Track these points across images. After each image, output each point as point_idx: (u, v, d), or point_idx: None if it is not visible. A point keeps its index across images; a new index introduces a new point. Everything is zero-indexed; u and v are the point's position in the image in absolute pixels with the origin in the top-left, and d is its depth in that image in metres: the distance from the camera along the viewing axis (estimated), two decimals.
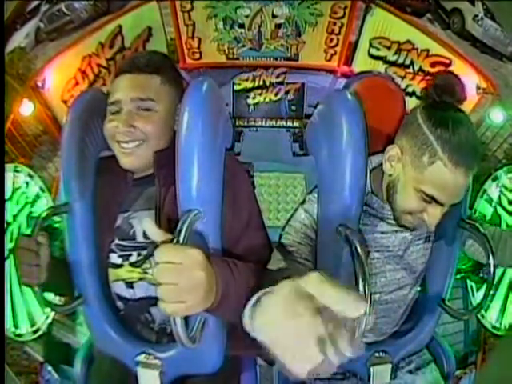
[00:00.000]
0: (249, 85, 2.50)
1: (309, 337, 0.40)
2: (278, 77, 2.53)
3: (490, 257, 0.88)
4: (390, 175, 0.86)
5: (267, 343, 0.47)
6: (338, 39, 2.53)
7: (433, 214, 0.81)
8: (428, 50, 2.21)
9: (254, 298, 0.57)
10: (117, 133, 0.88)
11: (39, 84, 1.94)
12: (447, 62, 2.14)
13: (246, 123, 2.49)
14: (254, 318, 0.54)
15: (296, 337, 0.41)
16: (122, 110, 0.89)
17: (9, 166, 1.77)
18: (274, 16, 2.55)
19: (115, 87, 0.91)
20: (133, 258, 0.91)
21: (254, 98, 2.49)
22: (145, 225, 0.73)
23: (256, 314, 0.53)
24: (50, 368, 1.65)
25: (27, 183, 1.81)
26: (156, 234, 0.67)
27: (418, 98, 2.23)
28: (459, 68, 2.11)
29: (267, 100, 2.51)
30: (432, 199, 0.80)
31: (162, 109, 0.90)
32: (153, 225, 0.69)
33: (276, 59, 2.63)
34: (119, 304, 0.93)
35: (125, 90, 0.89)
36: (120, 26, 2.21)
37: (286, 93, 2.50)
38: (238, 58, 2.62)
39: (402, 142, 0.84)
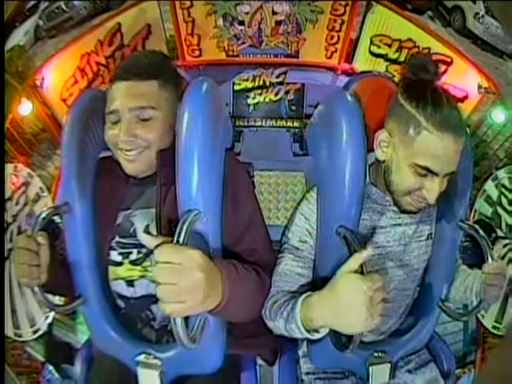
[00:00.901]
0: (249, 85, 2.49)
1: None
2: (278, 77, 2.52)
3: (489, 258, 0.88)
4: (384, 161, 0.87)
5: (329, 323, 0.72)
6: (338, 36, 2.52)
7: (431, 188, 0.82)
8: (429, 49, 2.20)
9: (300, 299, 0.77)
10: (119, 141, 0.88)
11: (38, 83, 1.93)
12: (448, 60, 2.12)
13: (246, 123, 2.48)
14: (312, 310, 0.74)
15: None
16: (121, 120, 0.87)
17: (9, 166, 1.77)
18: (274, 13, 2.53)
19: (112, 95, 0.89)
20: (133, 256, 0.91)
21: (254, 98, 2.48)
22: (141, 237, 0.74)
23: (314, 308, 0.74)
24: (50, 368, 1.66)
25: (27, 183, 1.81)
26: (153, 242, 0.67)
27: None
28: (460, 67, 2.10)
29: (267, 100, 2.50)
30: (427, 170, 0.80)
31: (162, 114, 0.89)
32: (147, 235, 0.69)
33: (276, 56, 2.62)
34: (120, 303, 0.94)
35: (122, 99, 0.87)
36: (119, 24, 2.19)
37: (286, 93, 2.48)
38: (237, 55, 2.61)
39: (388, 125, 0.85)
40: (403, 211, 0.89)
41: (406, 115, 0.81)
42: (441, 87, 0.83)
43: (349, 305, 0.67)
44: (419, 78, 0.83)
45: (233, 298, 0.74)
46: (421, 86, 0.82)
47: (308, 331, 0.76)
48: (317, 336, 0.77)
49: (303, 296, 0.77)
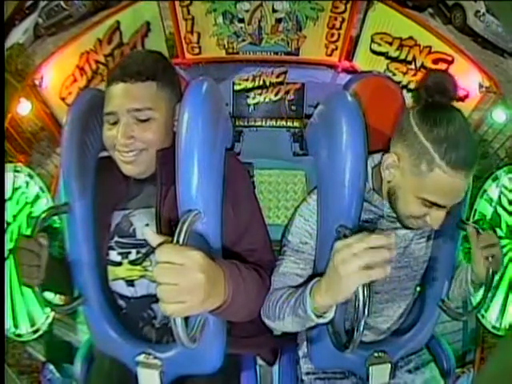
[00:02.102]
0: (249, 85, 2.49)
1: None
2: (278, 77, 2.51)
3: (489, 258, 0.87)
4: (389, 182, 0.86)
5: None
6: (339, 34, 2.52)
7: (436, 217, 0.82)
8: (430, 47, 2.19)
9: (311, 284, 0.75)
10: (116, 143, 0.87)
11: (37, 82, 1.93)
12: (449, 59, 2.12)
13: (246, 123, 2.48)
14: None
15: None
16: (119, 121, 0.86)
17: (9, 166, 1.76)
18: (274, 10, 2.53)
19: (109, 97, 0.87)
20: (132, 256, 0.91)
21: (254, 98, 2.48)
22: (144, 232, 0.73)
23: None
24: (51, 367, 1.66)
25: (27, 183, 1.80)
26: (156, 240, 0.67)
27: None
28: (462, 66, 2.10)
29: (267, 100, 2.49)
30: (434, 204, 0.80)
31: (160, 115, 0.88)
32: (152, 232, 0.69)
33: (276, 54, 2.61)
34: (121, 303, 0.93)
35: (120, 101, 0.85)
36: (118, 22, 2.18)
37: (286, 93, 2.48)
38: (237, 53, 2.61)
39: (398, 149, 0.83)
40: (406, 227, 0.89)
41: (419, 147, 0.78)
42: (456, 110, 0.79)
43: (343, 271, 0.63)
44: (434, 99, 0.79)
45: (235, 297, 0.73)
46: (438, 113, 0.78)
47: (316, 315, 0.74)
48: (322, 321, 0.75)
49: (314, 279, 0.75)
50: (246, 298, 0.79)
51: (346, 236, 0.81)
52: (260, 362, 1.01)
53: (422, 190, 0.79)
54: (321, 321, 0.76)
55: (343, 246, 0.63)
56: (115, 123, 0.87)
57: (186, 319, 0.69)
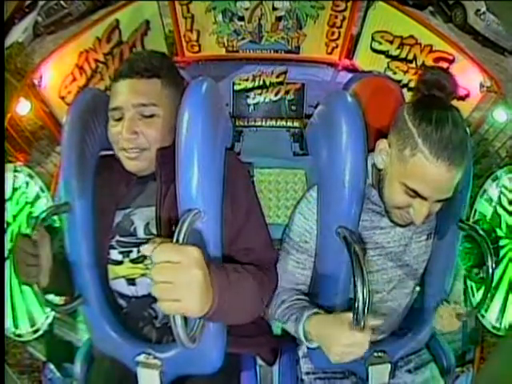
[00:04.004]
0: (249, 85, 2.48)
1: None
2: (278, 76, 2.50)
3: (489, 258, 0.88)
4: (381, 169, 0.86)
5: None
6: (339, 32, 2.51)
7: (418, 210, 0.80)
8: (431, 46, 2.19)
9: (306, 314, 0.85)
10: (120, 139, 0.88)
11: (36, 82, 1.92)
12: (450, 58, 2.11)
13: (246, 123, 2.47)
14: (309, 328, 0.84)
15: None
16: (124, 116, 0.88)
17: (9, 166, 1.76)
18: (274, 9, 2.52)
19: (115, 92, 0.89)
20: (133, 255, 0.91)
21: (254, 98, 2.47)
22: (141, 250, 0.74)
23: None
24: (52, 367, 1.66)
25: (27, 183, 1.80)
26: (149, 249, 0.66)
27: None
28: (463, 65, 2.09)
29: (267, 100, 2.49)
30: (415, 193, 0.79)
31: (164, 112, 0.89)
32: (145, 246, 0.69)
33: (276, 52, 2.61)
34: (121, 302, 0.93)
35: (125, 96, 0.88)
36: (117, 20, 2.17)
37: (286, 93, 2.47)
38: (237, 51, 2.59)
39: (390, 136, 0.84)
40: (392, 221, 0.89)
41: (405, 132, 0.78)
42: (453, 108, 0.79)
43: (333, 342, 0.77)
44: (431, 93, 0.80)
45: (223, 304, 0.72)
46: (429, 103, 0.79)
47: (308, 341, 0.85)
48: (315, 345, 0.85)
49: (309, 312, 0.85)
50: (236, 301, 0.78)
51: (345, 238, 0.81)
52: (260, 361, 1.01)
53: (404, 175, 0.79)
54: (313, 345, 0.86)
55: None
56: (120, 119, 0.88)
57: (186, 319, 0.69)
